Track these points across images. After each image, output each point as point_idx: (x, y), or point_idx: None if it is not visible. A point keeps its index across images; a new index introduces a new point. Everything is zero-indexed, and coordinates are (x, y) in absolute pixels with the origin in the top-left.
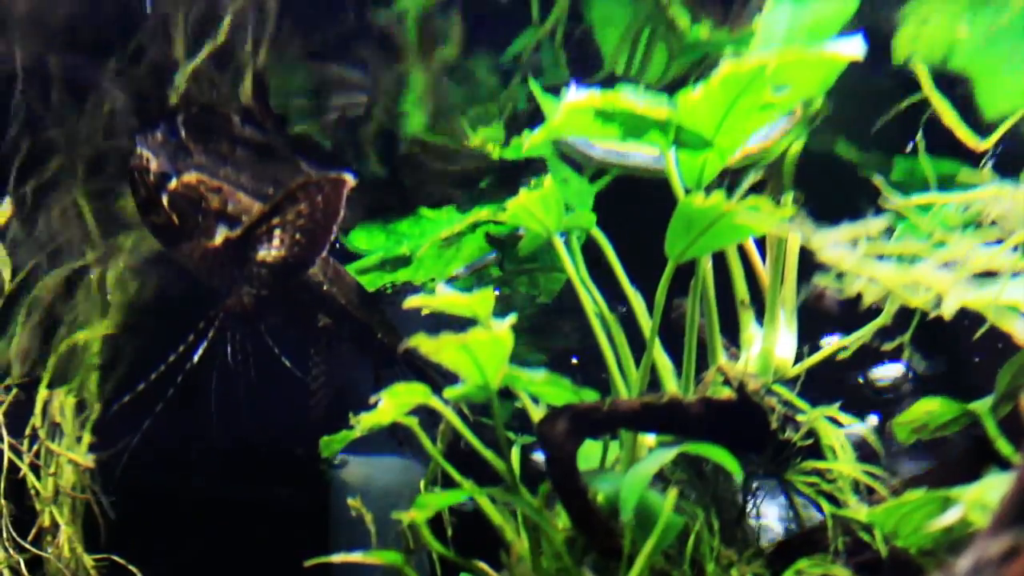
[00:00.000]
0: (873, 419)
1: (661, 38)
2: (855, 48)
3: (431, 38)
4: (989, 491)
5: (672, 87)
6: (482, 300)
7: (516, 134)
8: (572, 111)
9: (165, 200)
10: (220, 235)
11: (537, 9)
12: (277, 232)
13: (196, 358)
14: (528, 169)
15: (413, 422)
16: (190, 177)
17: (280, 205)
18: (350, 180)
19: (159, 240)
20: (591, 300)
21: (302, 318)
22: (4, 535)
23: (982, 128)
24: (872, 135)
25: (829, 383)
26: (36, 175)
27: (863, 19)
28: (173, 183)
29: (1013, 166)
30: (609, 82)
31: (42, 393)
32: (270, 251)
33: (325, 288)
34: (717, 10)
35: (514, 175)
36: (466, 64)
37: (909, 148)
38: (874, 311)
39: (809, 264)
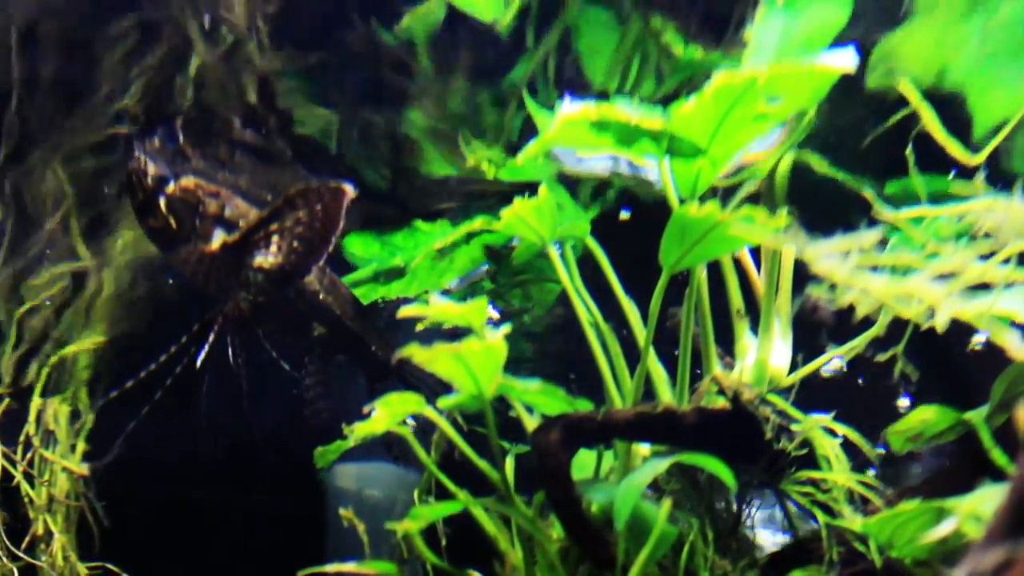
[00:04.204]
0: None
1: (651, 64)
2: (847, 60)
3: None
4: (984, 502)
5: (662, 103)
6: (476, 310)
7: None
8: (567, 123)
9: (162, 204)
10: (217, 240)
11: (532, 39)
12: (275, 239)
13: (188, 362)
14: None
15: (407, 432)
16: (188, 181)
17: (279, 211)
18: (350, 191)
19: (156, 244)
20: (585, 310)
21: (297, 327)
22: None
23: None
24: (862, 153)
25: None
26: (26, 182)
27: (854, 36)
28: (171, 187)
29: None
30: (601, 99)
31: (36, 401)
32: (267, 257)
33: (321, 297)
34: (709, 37)
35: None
36: (469, 90)
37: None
38: (870, 322)
39: (804, 274)
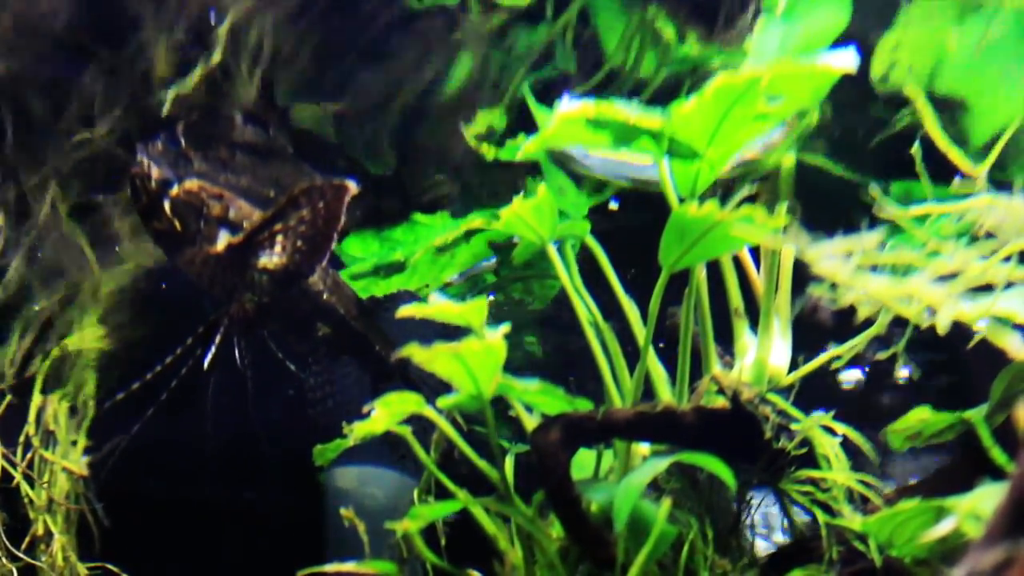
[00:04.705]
0: None
1: (651, 44)
2: (848, 60)
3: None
4: (983, 501)
5: (665, 96)
6: (475, 309)
7: (512, 134)
8: (565, 121)
9: (167, 207)
10: (222, 241)
11: (552, 9)
12: (279, 238)
13: (193, 364)
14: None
15: (406, 432)
16: (192, 184)
17: (283, 210)
18: (352, 187)
19: (161, 247)
20: (585, 308)
21: (301, 327)
22: None
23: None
24: (866, 157)
25: None
26: (26, 180)
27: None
28: (175, 190)
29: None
30: (608, 81)
31: (36, 400)
32: (271, 257)
33: (325, 297)
34: (701, 26)
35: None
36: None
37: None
38: (870, 323)
39: (804, 273)
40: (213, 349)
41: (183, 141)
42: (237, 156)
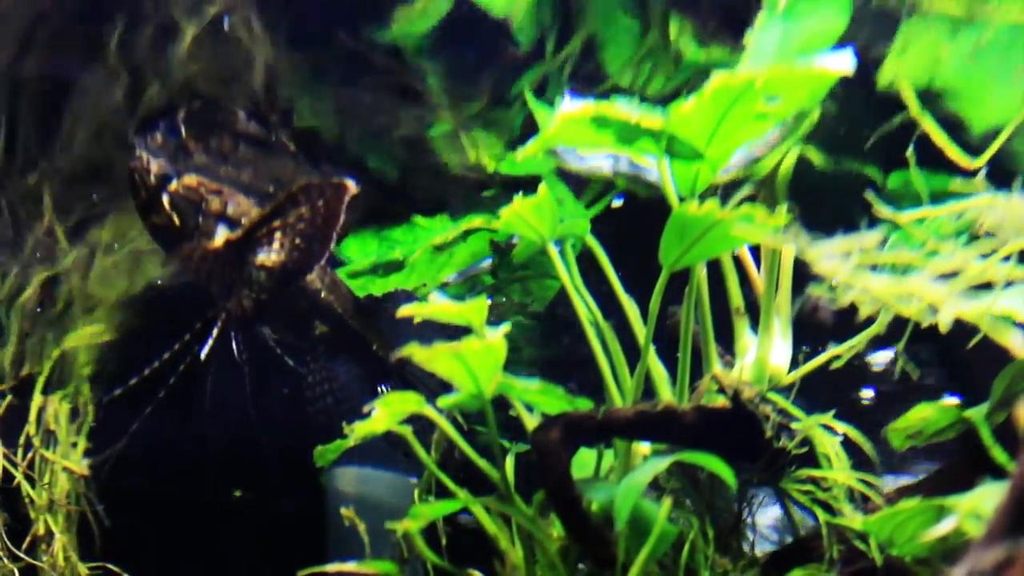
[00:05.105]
0: None
1: (664, 64)
2: (844, 63)
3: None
4: (984, 500)
5: (668, 100)
6: (475, 308)
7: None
8: (567, 121)
9: (165, 201)
10: (220, 237)
11: (552, 50)
12: (277, 235)
13: (192, 359)
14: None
15: (407, 431)
16: (191, 179)
17: (282, 207)
18: (352, 187)
19: (159, 242)
20: (585, 308)
21: (299, 325)
22: None
23: (968, 144)
24: (865, 151)
25: None
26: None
27: (853, 38)
28: (173, 184)
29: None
30: (607, 95)
31: (36, 400)
32: (270, 255)
33: (323, 296)
34: (727, 39)
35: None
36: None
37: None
38: (870, 322)
39: (805, 272)
40: (210, 344)
41: (183, 131)
42: (239, 149)
